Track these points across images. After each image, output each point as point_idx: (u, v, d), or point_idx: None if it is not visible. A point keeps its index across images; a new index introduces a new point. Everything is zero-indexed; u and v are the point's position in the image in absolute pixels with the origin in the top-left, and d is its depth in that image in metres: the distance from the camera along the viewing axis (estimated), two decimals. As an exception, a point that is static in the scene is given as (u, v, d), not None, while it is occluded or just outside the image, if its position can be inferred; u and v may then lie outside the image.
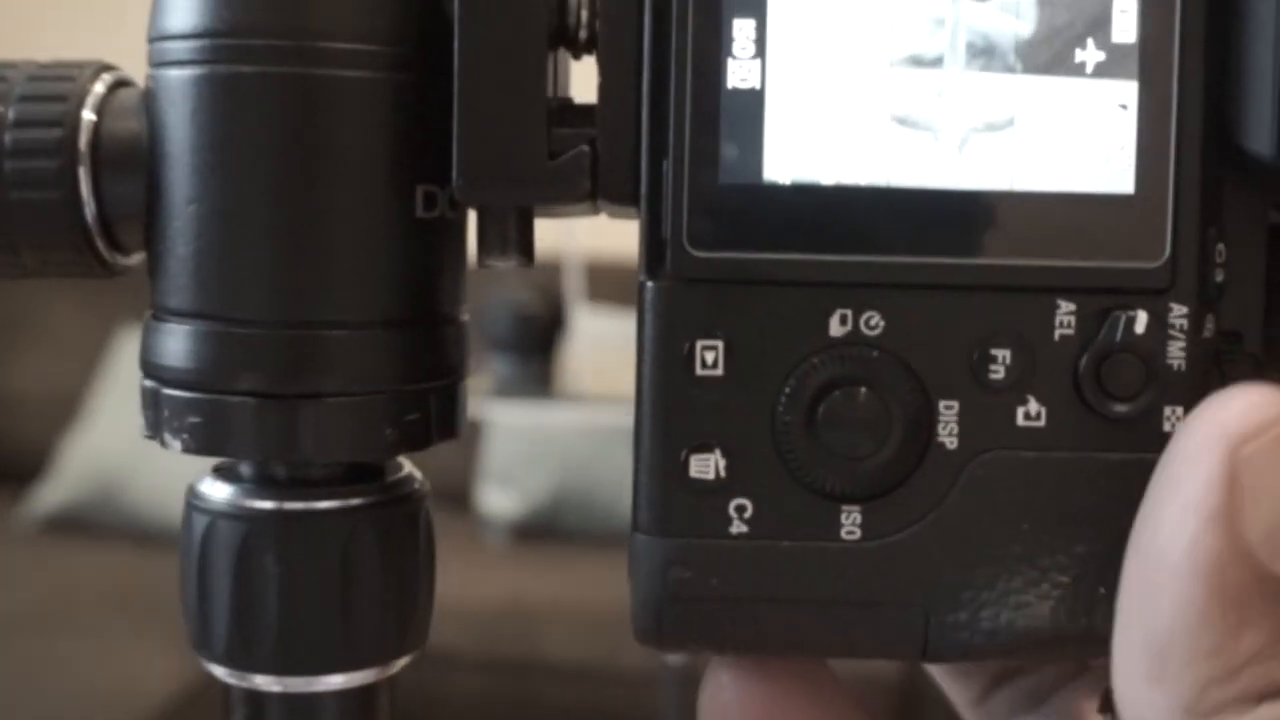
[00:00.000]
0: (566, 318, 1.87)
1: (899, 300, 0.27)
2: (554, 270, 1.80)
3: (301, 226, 0.28)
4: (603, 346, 1.75)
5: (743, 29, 0.27)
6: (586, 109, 0.28)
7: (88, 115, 0.30)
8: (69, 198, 0.29)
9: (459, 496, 2.16)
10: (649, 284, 0.27)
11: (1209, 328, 0.27)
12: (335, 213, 0.29)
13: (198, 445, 0.29)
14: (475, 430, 2.01)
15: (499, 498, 2.15)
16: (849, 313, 0.27)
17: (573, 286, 1.81)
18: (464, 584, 1.87)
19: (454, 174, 0.28)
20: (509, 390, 1.81)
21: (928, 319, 0.27)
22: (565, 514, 2.12)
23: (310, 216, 0.28)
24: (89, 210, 0.30)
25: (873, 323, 0.27)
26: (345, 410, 0.29)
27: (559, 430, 2.02)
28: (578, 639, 1.91)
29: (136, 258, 0.31)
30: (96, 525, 2.18)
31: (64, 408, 2.33)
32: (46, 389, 2.40)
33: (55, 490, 2.24)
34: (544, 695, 1.93)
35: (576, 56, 0.30)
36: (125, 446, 2.12)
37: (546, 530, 2.14)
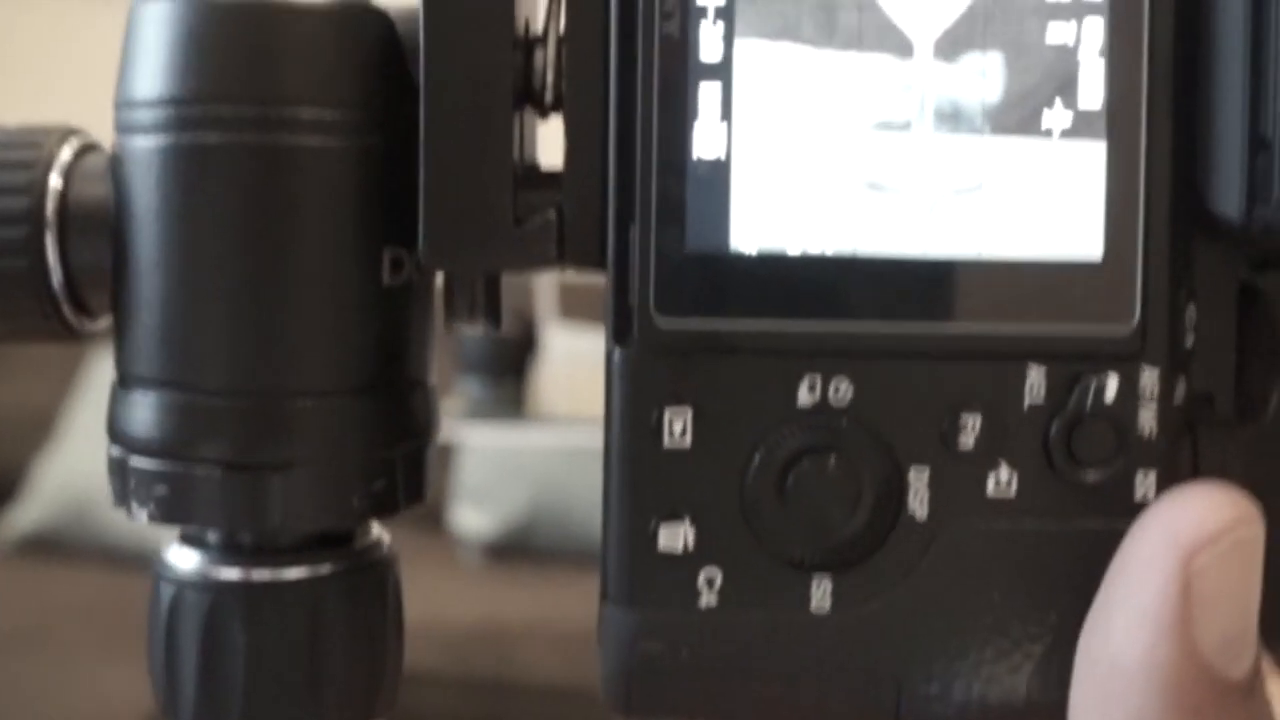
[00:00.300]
0: (538, 338, 1.87)
1: (868, 367, 0.27)
2: (525, 291, 1.79)
3: (267, 295, 0.28)
4: (576, 365, 1.75)
5: (709, 94, 0.27)
6: (553, 174, 0.28)
7: (54, 182, 0.29)
8: (35, 265, 0.29)
9: (432, 515, 2.15)
10: (616, 351, 0.27)
11: (1180, 392, 0.27)
12: (301, 281, 0.28)
13: (163, 515, 0.29)
14: (447, 452, 2.01)
15: (472, 516, 2.15)
16: (818, 380, 0.27)
17: (545, 304, 1.80)
18: (437, 603, 1.86)
19: (420, 241, 0.28)
20: (481, 411, 1.81)
21: (897, 386, 0.27)
22: (539, 533, 2.12)
23: (275, 285, 0.28)
24: (55, 277, 0.29)
25: (841, 390, 0.27)
26: (312, 479, 0.29)
27: (532, 450, 2.01)
28: (552, 658, 1.91)
29: (104, 320, 0.31)
30: (71, 547, 2.17)
31: (37, 428, 2.32)
32: (19, 409, 2.38)
33: (29, 512, 2.22)
34: (518, 715, 1.92)
35: (543, 116, 0.29)
36: (99, 468, 2.07)
37: (520, 549, 2.13)
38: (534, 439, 1.91)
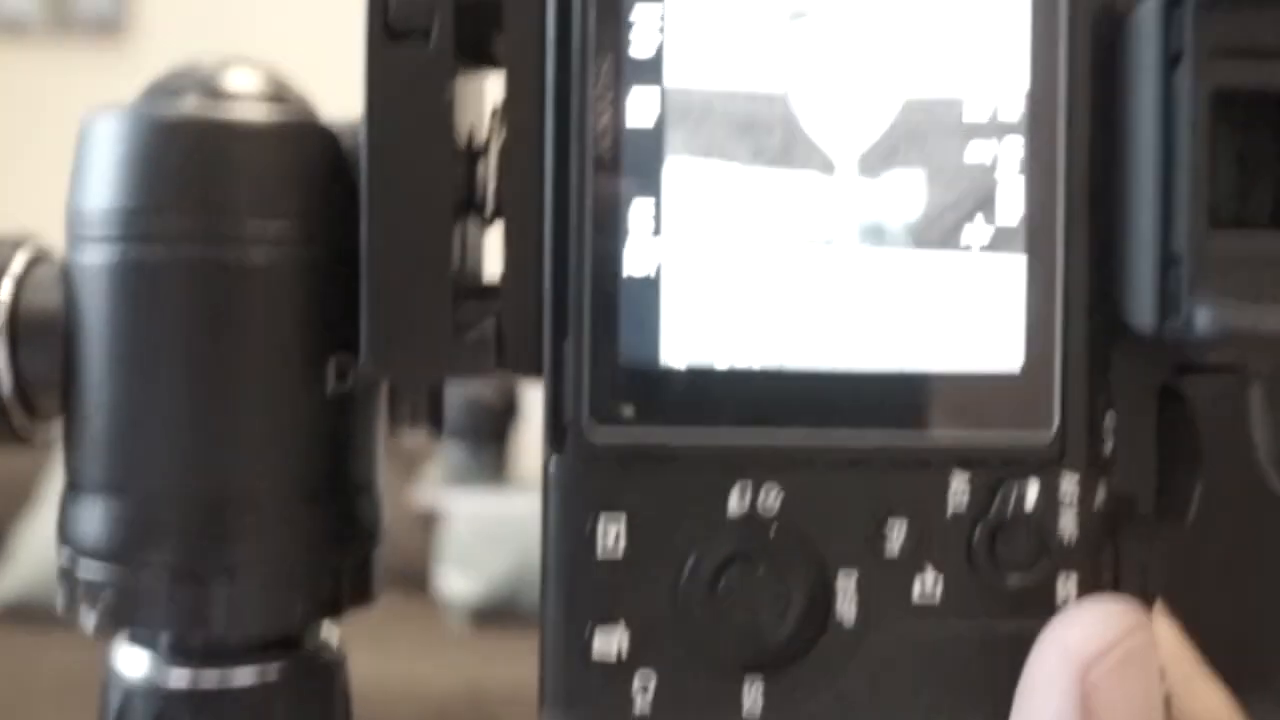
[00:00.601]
0: (519, 404, 1.88)
1: (796, 476, 0.28)
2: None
3: (212, 405, 0.29)
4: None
5: (640, 211, 0.27)
6: (493, 285, 0.29)
7: (5, 292, 0.30)
8: None
9: (417, 579, 2.15)
10: (553, 459, 0.28)
11: (1101, 495, 0.28)
12: (245, 390, 0.29)
13: (111, 620, 0.29)
14: (432, 517, 2.01)
15: (458, 581, 2.15)
16: (748, 489, 0.27)
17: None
18: (423, 668, 1.86)
19: (361, 352, 0.28)
20: (464, 477, 1.81)
21: (825, 494, 0.28)
22: (525, 598, 2.11)
23: (221, 394, 0.29)
24: (5, 384, 0.30)
25: (771, 498, 0.27)
26: (258, 585, 0.29)
27: (516, 515, 2.02)
28: (536, 724, 1.90)
29: (53, 425, 0.31)
30: (50, 615, 2.15)
31: (17, 496, 2.31)
32: None
33: (9, 579, 2.21)
34: (503, 781, 1.92)
35: (485, 225, 0.30)
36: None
37: (506, 614, 2.12)
38: (517, 504, 1.91)
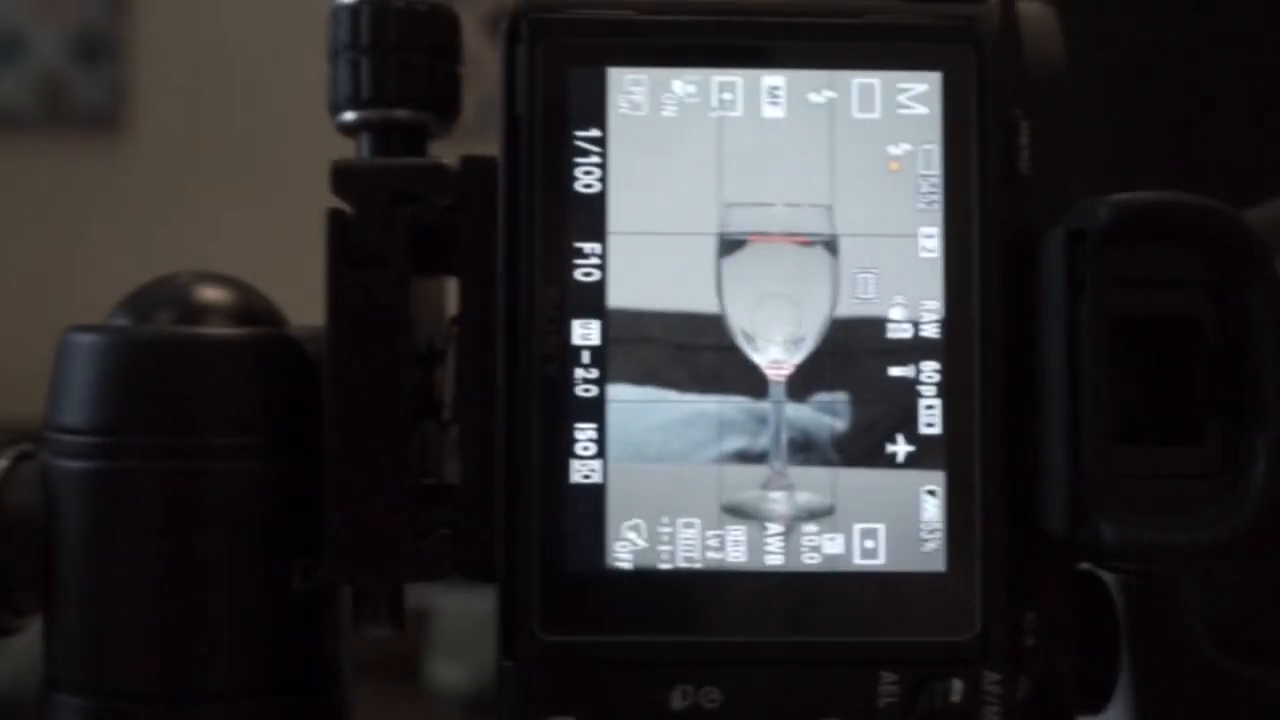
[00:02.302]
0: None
1: (735, 676, 0.29)
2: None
3: (182, 607, 0.31)
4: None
5: (584, 430, 0.29)
6: (449, 490, 0.31)
7: None
8: None
9: (409, 669, 2.15)
10: (504, 664, 0.29)
11: (1023, 688, 0.30)
12: (214, 592, 0.31)
13: None
14: (423, 614, 2.02)
15: (449, 670, 2.15)
16: (690, 689, 0.29)
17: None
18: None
19: (324, 556, 0.30)
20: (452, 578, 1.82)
21: (763, 693, 0.29)
22: (514, 688, 2.11)
23: (190, 597, 0.31)
24: None
25: (712, 698, 0.29)
26: None
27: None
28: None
29: (33, 618, 0.33)
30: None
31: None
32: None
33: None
34: None
35: (443, 430, 0.32)
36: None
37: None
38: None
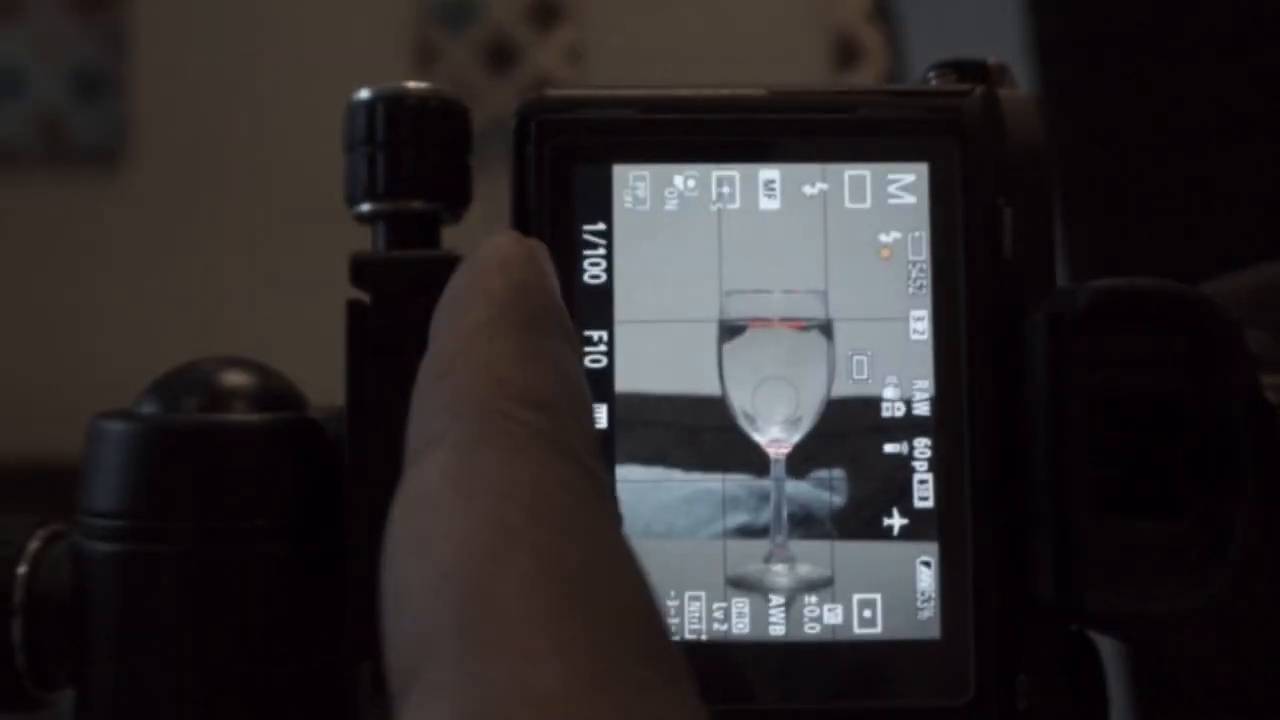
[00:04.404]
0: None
1: None
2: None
3: (209, 685, 0.32)
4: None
5: None
6: None
7: (22, 571, 0.33)
8: (1, 646, 0.33)
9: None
10: None
11: None
12: (240, 670, 0.32)
13: None
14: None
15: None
16: None
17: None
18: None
19: (346, 632, 0.32)
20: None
21: None
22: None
23: (217, 675, 0.32)
24: (19, 657, 0.33)
25: None
26: None
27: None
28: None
29: (63, 693, 0.34)
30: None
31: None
32: None
33: None
34: None
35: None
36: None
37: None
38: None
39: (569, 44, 2.26)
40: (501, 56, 2.26)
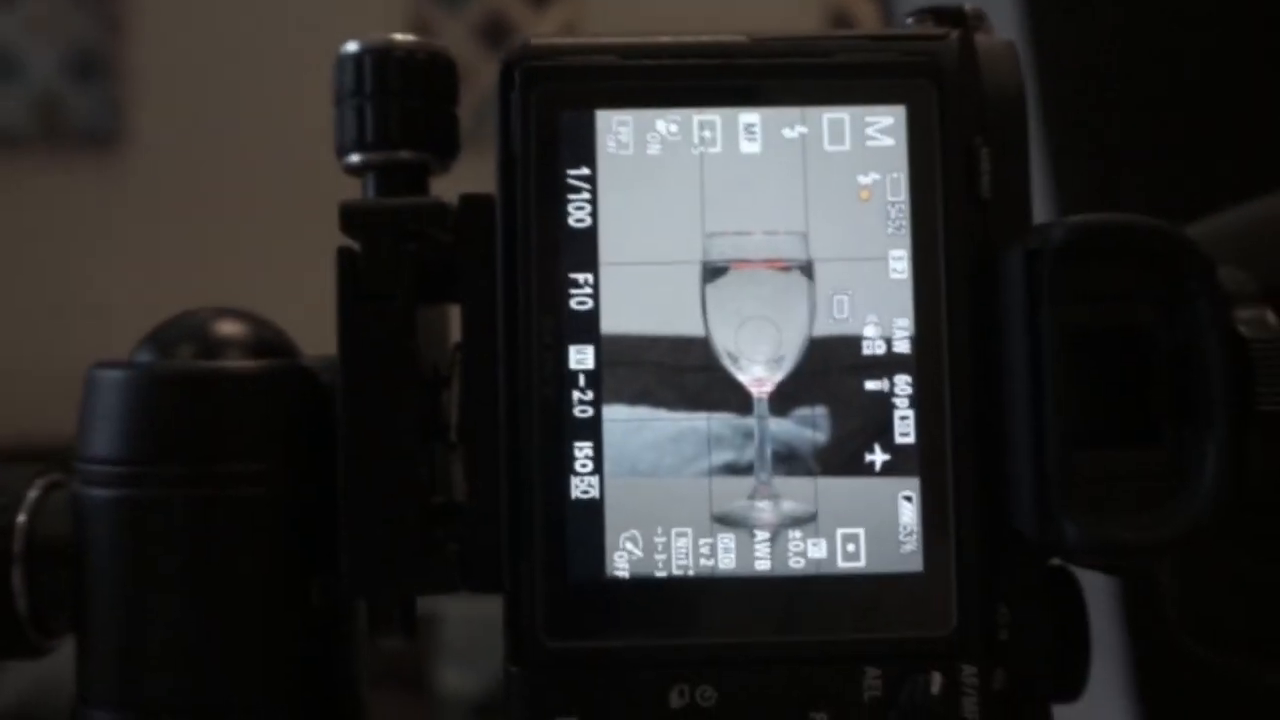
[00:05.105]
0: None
1: (728, 675, 0.31)
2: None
3: (207, 627, 0.33)
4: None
5: (582, 448, 0.31)
6: (457, 507, 0.33)
7: (21, 520, 0.34)
8: (3, 594, 0.33)
9: (416, 676, 2.17)
10: (512, 670, 0.31)
11: (999, 680, 0.32)
12: (237, 612, 0.33)
13: None
14: (430, 620, 2.04)
15: (456, 677, 2.17)
16: (686, 688, 0.31)
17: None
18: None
19: (340, 573, 0.32)
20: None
21: (754, 690, 0.31)
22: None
23: (214, 617, 0.33)
24: (21, 603, 0.34)
25: (706, 695, 0.31)
26: None
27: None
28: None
29: (64, 639, 0.35)
30: (54, 723, 2.17)
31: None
32: None
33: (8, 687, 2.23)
34: None
35: (452, 450, 0.34)
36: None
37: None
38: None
39: (565, 21, 2.26)
40: (497, 34, 2.26)
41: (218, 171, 2.24)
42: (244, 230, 2.21)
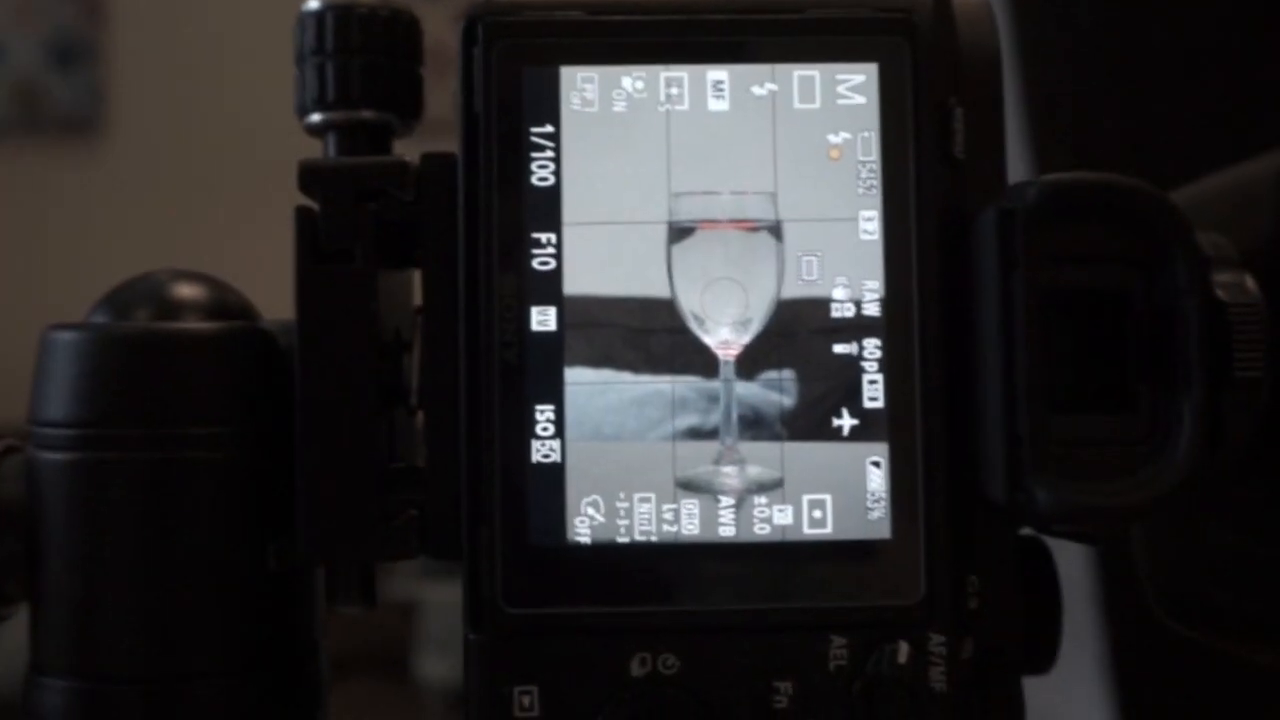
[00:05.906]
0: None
1: (691, 643, 0.31)
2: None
3: (163, 591, 0.32)
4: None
5: (544, 412, 0.31)
6: (417, 473, 0.32)
7: None
8: None
9: (397, 664, 2.16)
10: (471, 637, 0.31)
11: (968, 649, 0.31)
12: (193, 576, 0.32)
13: None
14: (409, 607, 2.03)
15: (436, 665, 2.16)
16: (648, 656, 0.31)
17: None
18: (403, 756, 1.87)
19: (298, 538, 0.32)
20: (440, 567, 1.83)
21: (717, 658, 0.31)
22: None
23: (170, 581, 0.32)
24: None
25: (669, 664, 0.31)
26: None
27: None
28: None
29: (19, 606, 0.34)
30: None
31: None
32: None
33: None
34: None
35: (411, 415, 0.33)
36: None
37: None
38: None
39: (547, 9, 2.25)
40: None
41: (197, 157, 2.23)
42: (221, 214, 2.20)
